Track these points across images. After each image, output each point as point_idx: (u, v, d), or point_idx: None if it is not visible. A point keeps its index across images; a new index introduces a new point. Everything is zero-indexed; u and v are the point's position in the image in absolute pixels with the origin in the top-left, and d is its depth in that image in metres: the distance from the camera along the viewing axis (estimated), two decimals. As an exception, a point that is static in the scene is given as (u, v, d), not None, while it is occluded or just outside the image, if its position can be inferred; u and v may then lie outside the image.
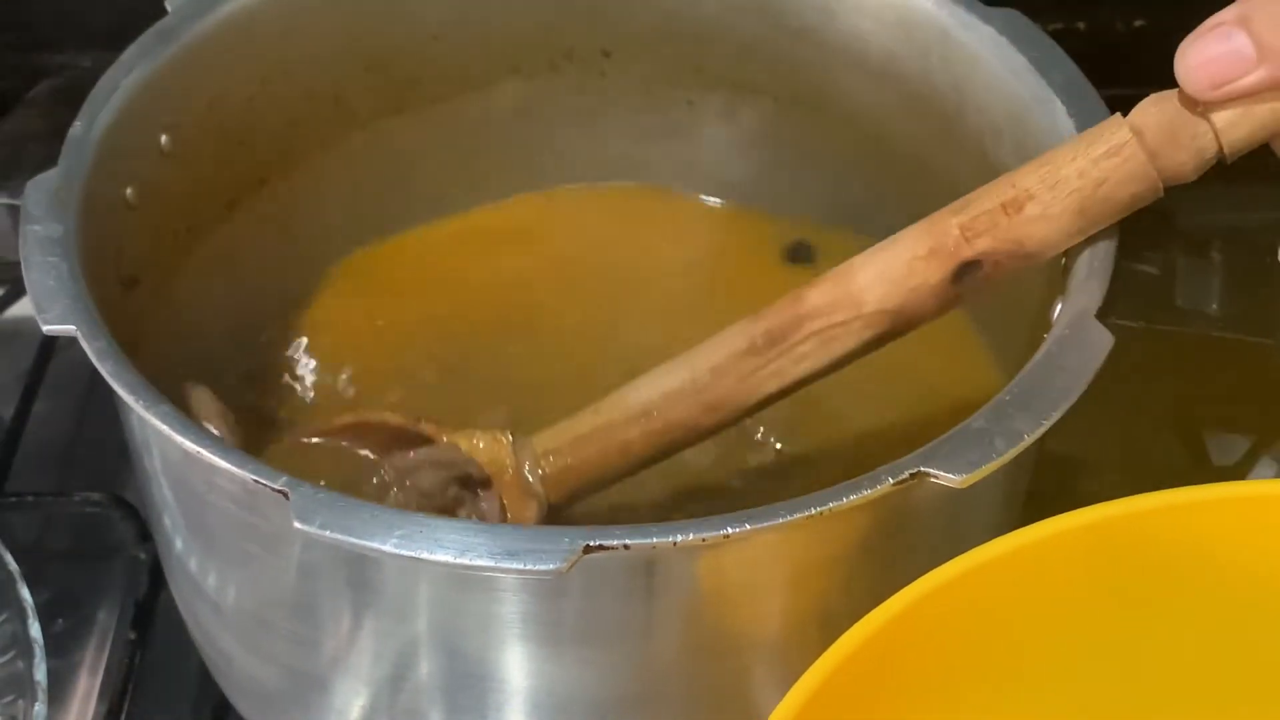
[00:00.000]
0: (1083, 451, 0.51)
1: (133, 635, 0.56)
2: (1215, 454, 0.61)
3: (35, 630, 0.51)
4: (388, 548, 0.40)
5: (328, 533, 0.40)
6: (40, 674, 0.50)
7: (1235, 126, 0.42)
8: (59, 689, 0.55)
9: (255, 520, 0.43)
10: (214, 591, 0.48)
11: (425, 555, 0.39)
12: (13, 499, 0.61)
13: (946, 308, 0.46)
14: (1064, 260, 0.48)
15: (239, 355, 0.58)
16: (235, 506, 0.44)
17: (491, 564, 0.39)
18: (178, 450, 0.43)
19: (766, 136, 0.62)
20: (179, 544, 0.48)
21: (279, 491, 0.41)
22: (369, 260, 0.62)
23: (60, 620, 0.58)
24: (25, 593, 0.52)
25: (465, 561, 0.39)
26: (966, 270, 0.45)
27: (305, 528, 0.40)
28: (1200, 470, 0.61)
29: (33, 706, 0.50)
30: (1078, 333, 0.44)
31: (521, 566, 0.39)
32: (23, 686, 0.50)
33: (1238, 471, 0.62)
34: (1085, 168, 0.44)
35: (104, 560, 0.59)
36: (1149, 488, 0.61)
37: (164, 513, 0.48)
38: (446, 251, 0.63)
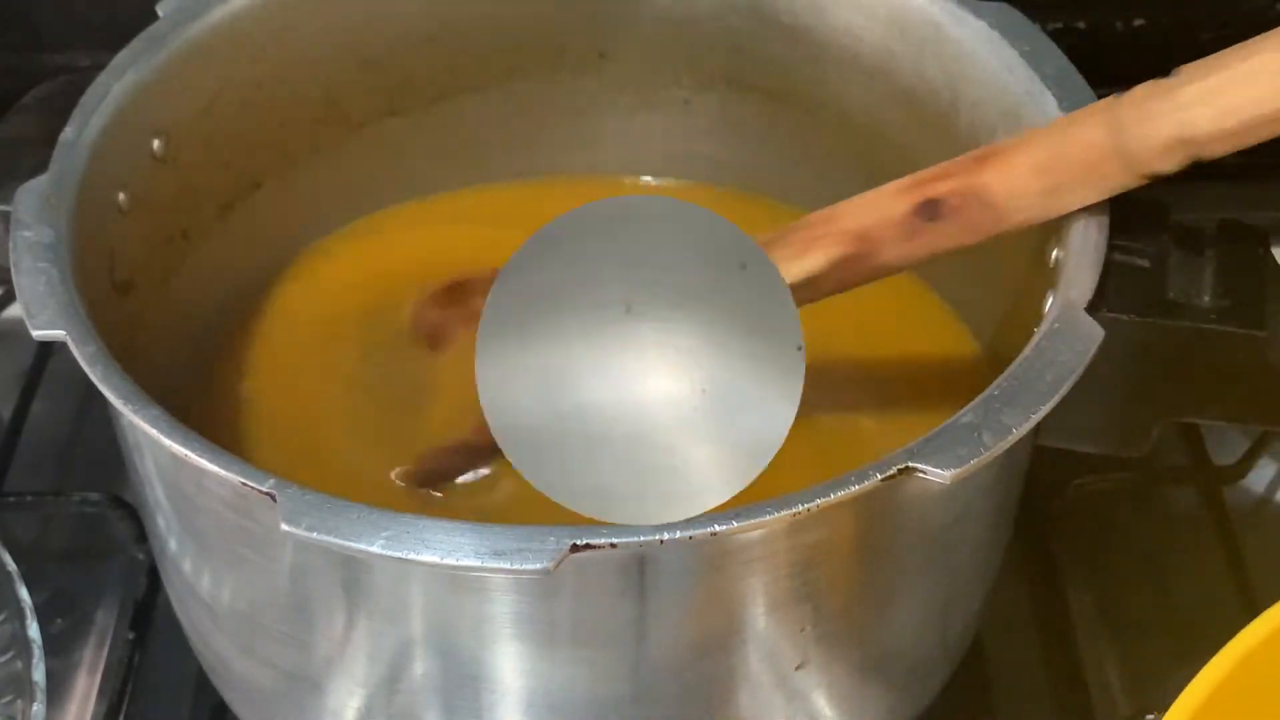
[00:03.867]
0: (1079, 448, 0.51)
1: (131, 635, 0.56)
2: (1215, 452, 0.61)
3: (34, 630, 0.51)
4: (375, 549, 0.40)
5: (315, 534, 0.40)
6: (38, 674, 0.50)
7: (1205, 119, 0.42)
8: (58, 689, 0.55)
9: (246, 523, 0.43)
10: (208, 594, 0.48)
11: (412, 556, 0.39)
12: (11, 499, 0.61)
13: (912, 253, 0.48)
14: (1053, 253, 0.48)
15: (234, 358, 0.58)
16: (226, 509, 0.44)
17: (478, 564, 0.39)
18: (167, 454, 0.43)
19: (762, 134, 0.62)
20: (173, 545, 0.48)
21: (266, 494, 0.41)
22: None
23: (59, 620, 0.58)
24: (24, 593, 0.52)
25: (452, 562, 0.39)
26: (929, 208, 0.47)
27: (292, 529, 0.40)
28: (1201, 470, 0.61)
29: (31, 706, 0.49)
30: (1067, 326, 0.44)
31: (509, 566, 0.39)
32: (21, 686, 0.50)
33: (1239, 470, 0.62)
34: (1053, 130, 0.46)
35: (103, 560, 0.59)
36: (1148, 481, 0.62)
37: (157, 515, 0.48)
38: (436, 244, 0.63)
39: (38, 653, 0.51)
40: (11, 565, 0.53)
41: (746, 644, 0.44)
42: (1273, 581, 0.56)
